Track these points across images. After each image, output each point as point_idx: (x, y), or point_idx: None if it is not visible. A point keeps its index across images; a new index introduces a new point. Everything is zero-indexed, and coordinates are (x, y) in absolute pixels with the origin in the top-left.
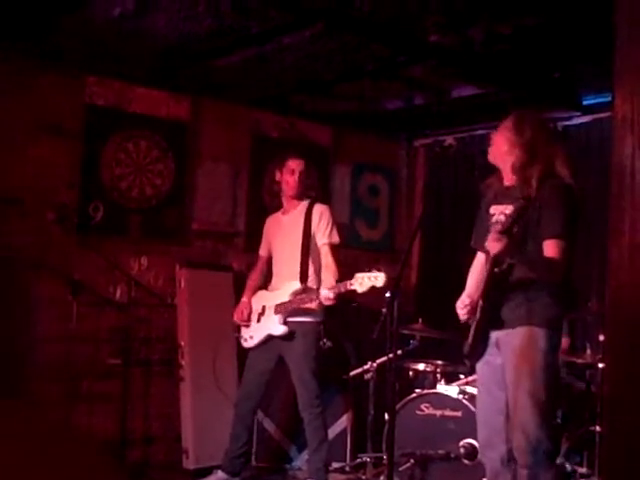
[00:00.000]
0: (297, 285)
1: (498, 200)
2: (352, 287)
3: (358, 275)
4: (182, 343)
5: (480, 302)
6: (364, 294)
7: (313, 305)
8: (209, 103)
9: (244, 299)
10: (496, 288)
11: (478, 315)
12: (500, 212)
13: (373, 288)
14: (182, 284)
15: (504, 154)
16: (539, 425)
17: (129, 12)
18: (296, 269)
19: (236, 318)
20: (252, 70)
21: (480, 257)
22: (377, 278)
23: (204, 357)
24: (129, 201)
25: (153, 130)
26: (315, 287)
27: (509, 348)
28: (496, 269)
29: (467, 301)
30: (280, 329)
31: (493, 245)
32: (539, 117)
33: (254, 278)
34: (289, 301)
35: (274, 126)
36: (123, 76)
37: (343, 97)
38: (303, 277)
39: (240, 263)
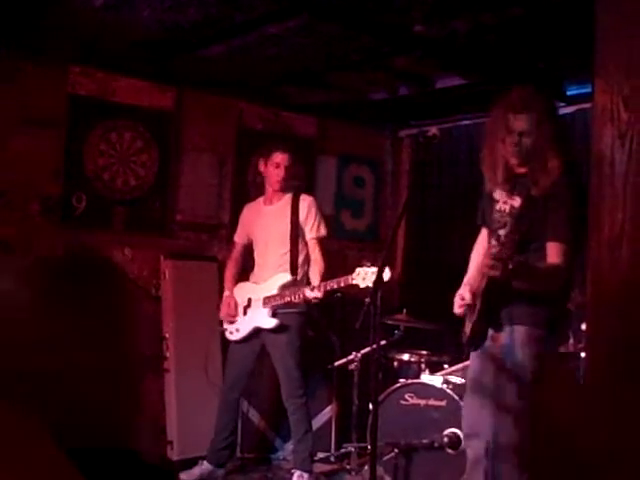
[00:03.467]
0: (287, 277)
1: (505, 187)
2: (354, 282)
3: (360, 270)
4: (167, 335)
5: (478, 305)
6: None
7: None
8: (193, 94)
9: (227, 293)
10: (494, 294)
11: (475, 316)
12: (505, 201)
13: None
14: (166, 275)
15: (532, 148)
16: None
17: (111, 2)
18: (284, 260)
19: (223, 314)
20: (236, 61)
21: (484, 233)
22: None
23: (189, 349)
24: (113, 192)
25: (137, 120)
26: (302, 279)
27: (503, 345)
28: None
29: (466, 297)
30: (271, 322)
31: (488, 271)
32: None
33: (231, 268)
34: (279, 295)
35: (259, 117)
36: (106, 66)
37: (328, 88)
38: (293, 269)
39: (225, 254)
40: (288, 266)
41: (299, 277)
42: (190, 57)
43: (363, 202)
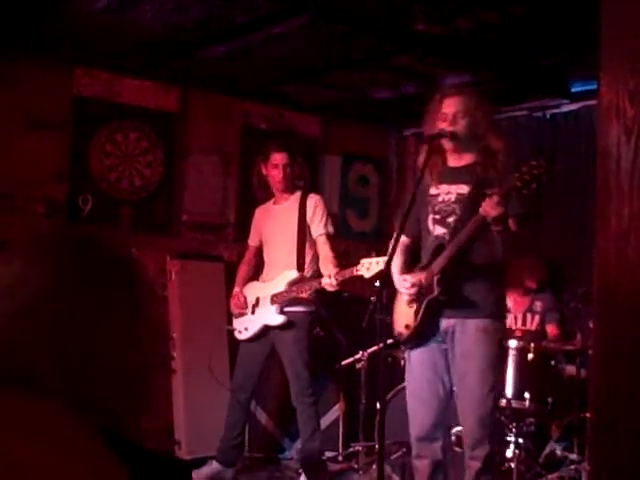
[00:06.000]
0: (294, 274)
1: (443, 181)
2: (359, 273)
3: (364, 260)
4: (174, 335)
5: (437, 276)
6: (354, 283)
7: (307, 294)
8: (197, 94)
9: (236, 289)
10: (456, 263)
11: (436, 291)
12: (448, 192)
13: (381, 273)
14: (173, 276)
15: (467, 132)
16: (494, 414)
17: (115, 3)
18: (292, 258)
19: (233, 307)
20: (240, 61)
21: (405, 241)
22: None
23: (196, 349)
24: (119, 193)
25: (142, 121)
26: (311, 276)
27: (463, 337)
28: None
29: (413, 278)
30: (279, 319)
31: (492, 209)
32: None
33: (244, 269)
34: (286, 291)
35: (263, 117)
36: (111, 67)
37: (332, 87)
38: (300, 266)
39: (231, 254)
40: (295, 264)
41: (306, 274)
42: (194, 58)
43: (368, 201)
